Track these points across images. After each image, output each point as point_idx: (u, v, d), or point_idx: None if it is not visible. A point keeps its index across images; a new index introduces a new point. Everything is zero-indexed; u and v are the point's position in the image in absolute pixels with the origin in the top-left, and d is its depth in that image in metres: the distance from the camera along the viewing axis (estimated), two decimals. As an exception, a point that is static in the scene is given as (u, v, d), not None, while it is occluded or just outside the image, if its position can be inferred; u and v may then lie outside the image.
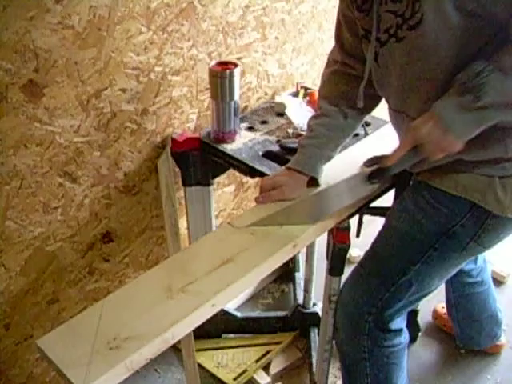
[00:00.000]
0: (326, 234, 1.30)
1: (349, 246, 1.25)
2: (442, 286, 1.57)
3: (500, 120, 0.94)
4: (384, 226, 1.27)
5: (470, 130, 0.95)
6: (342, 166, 1.30)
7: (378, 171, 1.13)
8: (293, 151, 1.42)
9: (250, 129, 1.55)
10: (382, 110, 2.36)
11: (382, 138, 1.45)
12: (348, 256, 2.17)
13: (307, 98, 1.66)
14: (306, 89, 1.70)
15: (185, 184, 1.54)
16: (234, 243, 1.05)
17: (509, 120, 0.96)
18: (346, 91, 1.20)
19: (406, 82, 1.04)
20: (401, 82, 1.06)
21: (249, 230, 1.09)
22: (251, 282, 1.02)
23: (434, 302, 1.90)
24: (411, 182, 1.24)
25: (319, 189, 1.21)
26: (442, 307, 1.89)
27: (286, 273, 2.14)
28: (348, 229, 1.23)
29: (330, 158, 1.23)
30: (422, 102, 1.03)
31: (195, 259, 1.02)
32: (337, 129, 1.21)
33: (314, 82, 1.91)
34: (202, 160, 1.49)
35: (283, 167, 1.25)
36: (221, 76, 1.36)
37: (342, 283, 1.32)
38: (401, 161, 1.05)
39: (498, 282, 2.09)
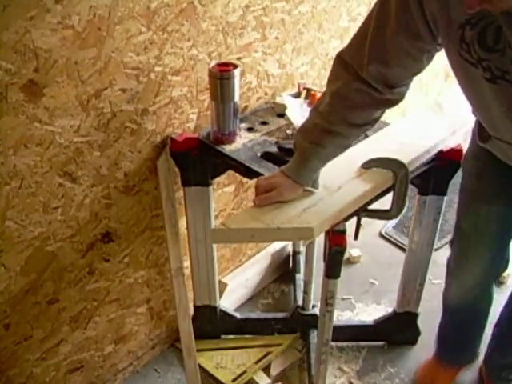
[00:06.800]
0: (324, 236, 1.31)
1: (345, 248, 1.24)
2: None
3: None
4: None
5: None
6: (341, 167, 1.30)
7: None
8: (291, 152, 1.42)
9: (250, 130, 1.54)
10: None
11: (381, 140, 1.45)
12: (348, 256, 2.21)
13: (309, 99, 1.65)
14: (308, 90, 1.69)
15: (184, 184, 1.54)
16: None
17: None
18: (377, 115, 1.16)
19: None
20: None
21: None
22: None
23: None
24: None
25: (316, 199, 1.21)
26: None
27: (286, 273, 2.14)
28: (344, 231, 1.22)
29: None
30: None
31: None
32: (348, 147, 1.20)
33: (314, 82, 1.91)
34: (201, 160, 1.49)
35: (279, 168, 1.24)
36: (220, 77, 1.36)
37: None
38: None
39: (499, 281, 2.09)
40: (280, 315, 1.91)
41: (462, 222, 1.44)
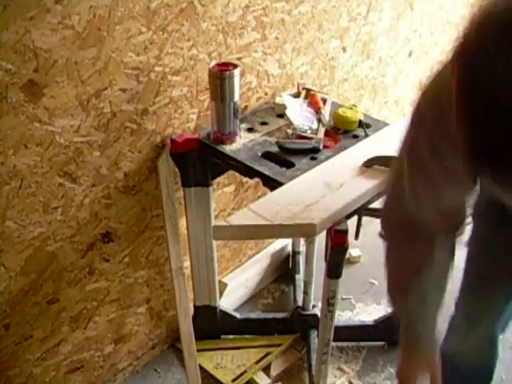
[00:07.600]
0: (324, 236, 1.31)
1: (347, 248, 1.24)
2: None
3: None
4: None
5: None
6: (343, 166, 1.30)
7: None
8: (292, 151, 1.42)
9: (250, 130, 1.54)
10: (380, 111, 2.37)
11: (381, 140, 1.45)
12: (348, 256, 2.21)
13: (308, 99, 1.65)
14: (307, 90, 1.69)
15: (184, 185, 1.54)
16: None
17: None
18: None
19: None
20: None
21: None
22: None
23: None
24: None
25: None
26: None
27: (286, 273, 2.14)
28: (346, 231, 1.22)
29: None
30: None
31: None
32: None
33: (314, 82, 1.91)
34: (200, 161, 1.49)
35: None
36: (220, 77, 1.36)
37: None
38: None
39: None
40: (280, 315, 1.91)
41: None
